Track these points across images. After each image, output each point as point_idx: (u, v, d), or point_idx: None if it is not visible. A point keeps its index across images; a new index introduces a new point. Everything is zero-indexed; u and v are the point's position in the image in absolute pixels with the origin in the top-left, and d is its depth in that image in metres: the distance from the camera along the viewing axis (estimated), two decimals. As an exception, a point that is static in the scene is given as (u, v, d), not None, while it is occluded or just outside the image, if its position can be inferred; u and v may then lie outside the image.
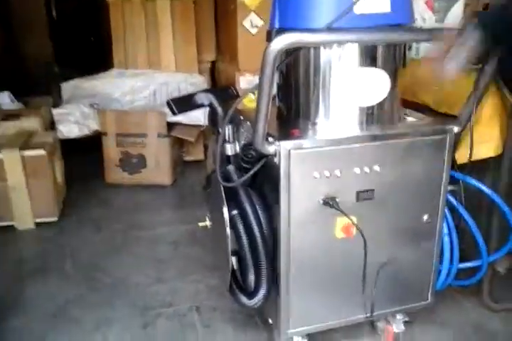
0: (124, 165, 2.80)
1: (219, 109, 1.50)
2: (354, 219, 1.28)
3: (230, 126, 1.41)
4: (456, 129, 1.40)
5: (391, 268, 1.39)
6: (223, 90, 1.80)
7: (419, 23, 2.14)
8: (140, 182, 2.80)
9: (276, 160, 1.20)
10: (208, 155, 2.28)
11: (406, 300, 1.49)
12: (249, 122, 1.37)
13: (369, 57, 1.23)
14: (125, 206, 2.57)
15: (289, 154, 1.19)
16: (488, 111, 1.56)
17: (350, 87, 1.24)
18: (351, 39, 1.11)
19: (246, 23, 2.92)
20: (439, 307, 1.66)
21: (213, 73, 3.28)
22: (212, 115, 1.53)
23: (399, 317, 1.53)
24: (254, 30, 2.94)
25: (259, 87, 1.09)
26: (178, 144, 3.03)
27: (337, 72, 1.23)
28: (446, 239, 1.54)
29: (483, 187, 1.53)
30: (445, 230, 1.52)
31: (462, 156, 1.55)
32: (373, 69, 1.24)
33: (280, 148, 1.19)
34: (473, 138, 1.51)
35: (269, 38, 1.29)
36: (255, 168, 1.26)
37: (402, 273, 1.45)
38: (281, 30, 1.24)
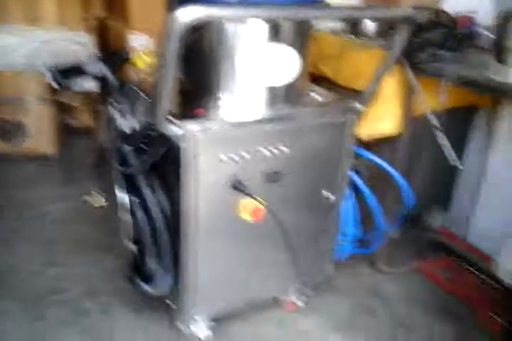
0: (0, 133, 2.49)
1: (112, 80, 1.34)
2: (263, 201, 1.23)
3: (125, 99, 1.27)
4: (359, 107, 1.38)
5: (295, 244, 1.38)
6: (115, 54, 1.62)
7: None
8: (21, 152, 2.51)
9: (180, 142, 1.09)
10: (99, 125, 2.08)
11: (308, 273, 1.51)
12: (148, 98, 1.24)
13: (278, 33, 1.14)
14: (5, 180, 2.30)
15: (194, 136, 1.09)
16: (390, 89, 1.57)
17: (257, 65, 1.15)
18: (266, 15, 1.01)
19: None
20: (340, 276, 1.71)
21: (102, 32, 2.98)
22: (104, 85, 1.37)
23: (301, 289, 1.54)
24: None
25: (160, 62, 0.96)
26: (64, 109, 2.74)
27: (243, 47, 1.13)
28: (349, 213, 1.58)
29: (380, 161, 1.56)
30: (348, 207, 1.55)
31: (364, 131, 1.56)
32: (282, 46, 1.16)
33: (185, 131, 1.08)
34: (375, 115, 1.52)
35: (170, 4, 1.15)
36: (157, 153, 1.14)
37: (305, 248, 1.44)
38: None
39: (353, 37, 1.86)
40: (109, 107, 1.32)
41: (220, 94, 1.18)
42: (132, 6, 2.58)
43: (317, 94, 1.38)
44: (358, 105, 1.37)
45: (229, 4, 0.99)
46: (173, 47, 0.92)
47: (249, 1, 1.05)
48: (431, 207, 2.07)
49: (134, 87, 1.33)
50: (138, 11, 2.60)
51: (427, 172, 1.87)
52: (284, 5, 1.09)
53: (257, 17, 1.03)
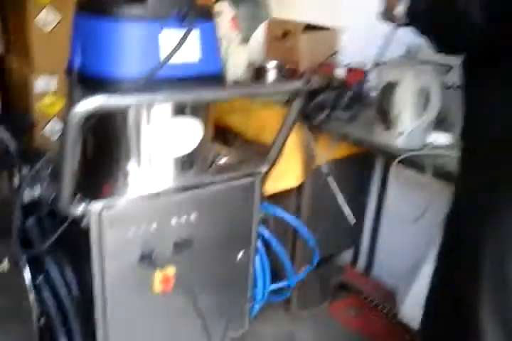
0: None
1: (12, 145, 1.31)
2: (173, 270, 1.25)
3: (28, 167, 1.24)
4: (265, 169, 1.46)
5: (207, 310, 1.40)
6: (17, 117, 1.58)
7: (224, 43, 2.17)
8: None
9: (84, 222, 1.09)
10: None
11: (225, 334, 1.53)
12: (53, 170, 1.22)
13: (180, 107, 1.18)
14: None
15: (99, 215, 1.09)
16: (290, 144, 1.68)
17: (161, 138, 1.19)
18: (166, 100, 1.05)
19: (39, 20, 2.58)
20: (257, 326, 1.75)
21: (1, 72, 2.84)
22: (2, 151, 1.33)
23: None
24: (49, 27, 2.63)
25: (61, 152, 0.96)
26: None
27: (147, 121, 1.16)
28: (259, 267, 1.63)
29: (286, 215, 1.65)
30: (258, 261, 1.61)
31: (270, 187, 1.65)
32: (184, 118, 1.20)
33: (90, 210, 1.08)
34: (279, 170, 1.61)
35: (69, 77, 1.16)
36: (62, 230, 1.13)
37: (220, 310, 1.47)
38: (83, 75, 1.12)
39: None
40: (12, 177, 1.28)
41: (126, 168, 1.19)
42: (34, 47, 2.48)
43: (224, 157, 1.44)
44: (264, 164, 1.44)
45: (130, 91, 1.02)
46: (72, 139, 0.93)
47: (151, 82, 1.07)
48: (338, 247, 2.20)
49: (41, 154, 1.30)
50: (40, 52, 2.48)
51: (333, 215, 1.99)
52: (185, 81, 1.13)
53: (160, 102, 1.07)
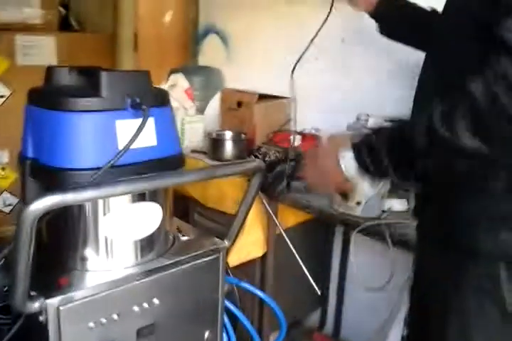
0: None
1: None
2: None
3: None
4: (228, 243, 1.45)
5: None
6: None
7: (181, 113, 2.22)
8: None
9: (41, 318, 1.04)
10: None
11: None
12: (5, 263, 1.17)
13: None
14: None
15: (57, 310, 1.05)
16: (251, 215, 1.69)
17: (120, 224, 1.17)
18: (124, 191, 1.04)
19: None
20: None
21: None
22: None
23: None
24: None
25: (15, 251, 0.93)
26: None
27: (104, 210, 1.14)
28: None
29: (251, 287, 1.63)
30: (225, 338, 1.56)
31: (233, 260, 1.63)
32: (143, 203, 1.20)
33: (46, 306, 1.03)
34: (241, 242, 1.60)
35: (22, 167, 1.15)
36: (14, 329, 1.06)
37: None
38: (36, 166, 1.10)
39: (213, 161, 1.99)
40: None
41: (83, 258, 1.16)
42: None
43: (185, 234, 1.42)
44: (227, 238, 1.43)
45: (87, 185, 1.01)
46: (27, 236, 0.90)
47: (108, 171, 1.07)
48: (305, 311, 2.17)
49: None
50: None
51: (298, 280, 1.98)
52: (144, 166, 1.13)
53: (119, 194, 1.07)
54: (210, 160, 1.98)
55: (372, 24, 1.76)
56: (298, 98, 2.20)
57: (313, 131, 2.16)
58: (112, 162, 1.03)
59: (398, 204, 1.53)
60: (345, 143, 1.03)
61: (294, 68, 1.67)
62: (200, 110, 2.32)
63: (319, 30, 1.68)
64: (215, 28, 2.57)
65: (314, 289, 1.99)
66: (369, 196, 1.47)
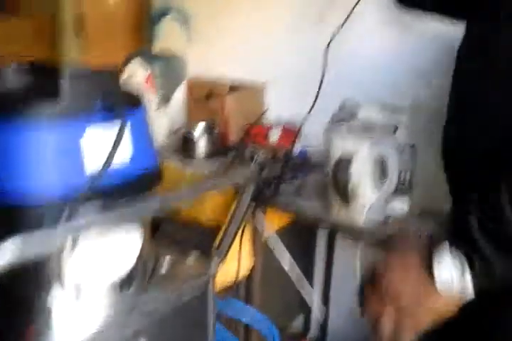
0: None
1: None
2: None
3: None
4: (217, 262, 1.25)
5: None
6: None
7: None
8: None
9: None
10: None
11: None
12: None
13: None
14: None
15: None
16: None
17: (91, 263, 0.94)
18: (95, 224, 0.82)
19: None
20: None
21: None
22: None
23: None
24: None
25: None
26: None
27: (71, 247, 0.91)
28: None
29: (240, 312, 1.47)
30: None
31: (220, 281, 1.45)
32: (118, 234, 0.97)
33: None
34: (229, 261, 1.42)
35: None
36: None
37: None
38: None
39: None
40: None
41: (49, 309, 0.93)
42: None
43: (170, 264, 1.21)
44: (216, 262, 1.24)
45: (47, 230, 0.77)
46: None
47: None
48: (290, 318, 2.04)
49: None
50: None
51: (284, 287, 1.83)
52: (117, 188, 0.91)
53: (88, 228, 0.84)
54: (181, 160, 1.76)
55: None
56: (270, 85, 2.01)
57: (289, 121, 1.97)
58: (85, 188, 0.80)
59: (400, 204, 1.37)
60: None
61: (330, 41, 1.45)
62: (164, 102, 2.07)
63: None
64: (173, 6, 2.30)
65: (301, 296, 1.85)
66: (373, 199, 1.30)
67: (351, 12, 1.51)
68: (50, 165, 0.83)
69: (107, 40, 3.06)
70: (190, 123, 1.93)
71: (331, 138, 1.31)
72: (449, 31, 1.41)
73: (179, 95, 2.02)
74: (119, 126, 0.85)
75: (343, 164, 1.28)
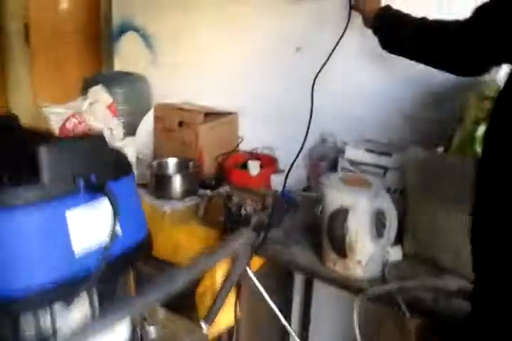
0: None
1: None
2: None
3: None
4: (206, 328, 1.15)
5: None
6: None
7: (106, 135, 1.81)
8: None
9: None
10: None
11: None
12: None
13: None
14: None
15: None
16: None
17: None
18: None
19: None
20: None
21: None
22: None
23: None
24: None
25: None
26: None
27: None
28: None
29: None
30: None
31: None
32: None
33: None
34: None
35: None
36: None
37: None
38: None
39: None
40: None
41: None
42: None
43: (152, 325, 1.09)
44: (205, 327, 1.14)
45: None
46: None
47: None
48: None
49: None
50: None
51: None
52: (107, 268, 0.79)
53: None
54: (154, 198, 1.62)
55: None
56: (244, 113, 1.90)
57: (266, 151, 1.88)
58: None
59: (395, 253, 1.31)
60: None
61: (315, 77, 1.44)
62: (128, 131, 1.92)
63: (337, 44, 1.44)
64: (134, 25, 2.14)
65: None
66: (371, 253, 1.23)
67: (335, 46, 1.44)
68: (38, 253, 0.72)
69: (56, 51, 2.85)
70: (161, 156, 1.79)
71: (325, 189, 1.22)
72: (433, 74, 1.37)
73: (146, 124, 1.87)
74: (111, 202, 0.74)
75: (340, 217, 1.20)
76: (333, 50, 1.43)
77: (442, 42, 1.14)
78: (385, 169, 1.43)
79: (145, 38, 2.10)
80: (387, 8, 1.33)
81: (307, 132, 1.41)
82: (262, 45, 1.77)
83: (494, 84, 1.18)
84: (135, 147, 1.85)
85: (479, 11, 1.02)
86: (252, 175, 1.69)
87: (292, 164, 1.39)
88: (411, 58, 1.26)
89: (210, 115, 1.82)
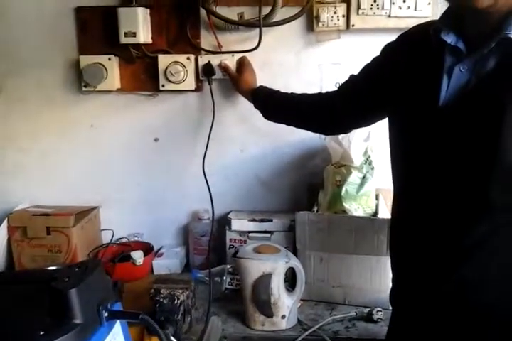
0: None
1: None
2: None
3: None
4: None
5: None
6: None
7: None
8: None
9: None
10: None
11: None
12: None
13: None
14: None
15: None
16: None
17: None
18: None
19: None
20: None
21: None
22: None
23: None
24: None
25: None
26: None
27: None
28: None
29: None
30: None
31: None
32: None
33: None
34: None
35: None
36: None
37: None
38: None
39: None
40: None
41: None
42: None
43: None
44: None
45: None
46: None
47: None
48: None
49: None
50: None
51: None
52: None
53: None
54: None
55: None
56: (107, 205, 1.92)
57: (135, 238, 1.93)
58: None
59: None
60: None
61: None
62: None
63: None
64: None
65: None
66: (290, 306, 1.44)
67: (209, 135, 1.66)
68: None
69: None
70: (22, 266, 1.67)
71: (243, 262, 1.40)
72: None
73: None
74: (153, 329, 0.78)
75: (264, 282, 1.39)
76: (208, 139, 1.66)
77: (319, 101, 1.35)
78: (271, 233, 1.68)
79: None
80: (262, 86, 1.56)
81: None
82: (123, 138, 1.86)
83: (346, 154, 1.55)
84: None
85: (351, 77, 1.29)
86: (137, 265, 1.73)
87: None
88: (290, 123, 1.46)
89: (72, 213, 1.80)
